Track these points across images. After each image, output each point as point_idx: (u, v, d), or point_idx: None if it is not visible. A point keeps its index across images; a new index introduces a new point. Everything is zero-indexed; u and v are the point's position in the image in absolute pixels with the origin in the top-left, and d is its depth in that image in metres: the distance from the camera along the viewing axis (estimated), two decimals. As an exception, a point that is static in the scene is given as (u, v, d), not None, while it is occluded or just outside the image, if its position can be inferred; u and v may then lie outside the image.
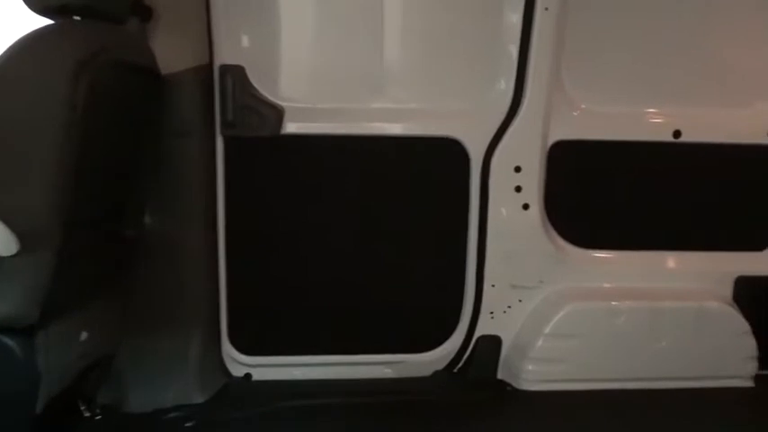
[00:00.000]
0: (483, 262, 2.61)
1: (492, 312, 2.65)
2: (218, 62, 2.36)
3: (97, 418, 2.13)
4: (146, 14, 2.22)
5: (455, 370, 2.71)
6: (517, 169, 2.55)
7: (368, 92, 2.50)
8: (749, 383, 2.61)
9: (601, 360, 2.57)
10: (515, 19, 2.43)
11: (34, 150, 1.45)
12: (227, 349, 2.59)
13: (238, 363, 2.62)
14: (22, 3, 1.73)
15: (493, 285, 2.63)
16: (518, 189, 2.56)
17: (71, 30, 1.70)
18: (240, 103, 2.36)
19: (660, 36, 2.55)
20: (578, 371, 2.57)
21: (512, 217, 2.58)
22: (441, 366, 2.70)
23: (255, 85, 2.39)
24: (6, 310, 1.48)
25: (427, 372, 2.69)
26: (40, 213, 1.49)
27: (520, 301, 2.65)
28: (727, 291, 2.66)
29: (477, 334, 2.68)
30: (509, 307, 2.66)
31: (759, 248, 2.71)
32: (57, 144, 1.48)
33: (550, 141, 2.57)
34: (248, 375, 2.64)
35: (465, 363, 2.70)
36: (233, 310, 2.56)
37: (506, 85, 2.50)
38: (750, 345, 2.58)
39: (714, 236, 2.69)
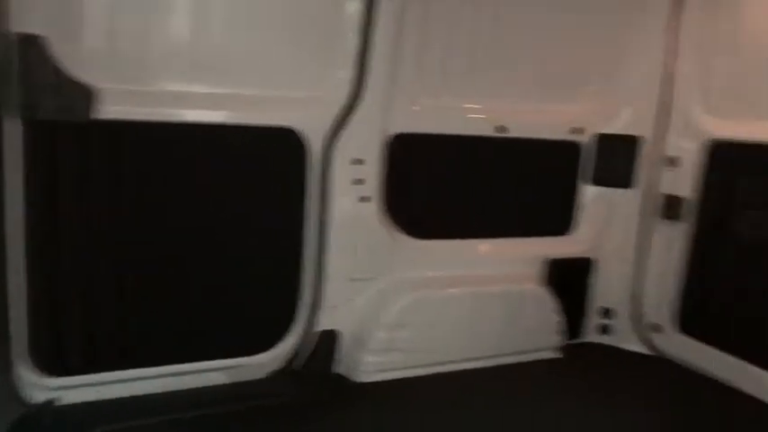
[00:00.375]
0: (322, 256, 2.53)
1: (331, 306, 2.60)
2: (13, 29, 1.90)
3: None
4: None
5: (293, 368, 2.61)
6: (357, 162, 2.50)
7: (195, 74, 2.24)
8: (558, 354, 2.93)
9: (434, 346, 2.68)
10: (357, 7, 2.35)
11: None
12: (23, 372, 2.16)
13: (39, 387, 2.20)
14: None
15: (332, 279, 2.57)
16: (358, 181, 2.52)
17: None
18: (41, 80, 1.93)
19: (492, 37, 2.67)
20: (414, 358, 2.65)
21: (351, 210, 2.54)
22: (278, 366, 2.59)
23: (61, 60, 1.98)
24: None
25: (263, 373, 2.56)
26: None
27: (359, 293, 2.64)
28: (538, 272, 2.93)
29: (316, 329, 2.61)
30: (348, 300, 2.63)
31: (563, 233, 3.03)
32: None
33: (390, 134, 2.56)
34: (52, 401, 2.24)
35: (304, 360, 2.61)
36: (32, 326, 2.14)
37: (347, 75, 2.42)
38: (558, 320, 2.89)
39: (529, 223, 2.95)
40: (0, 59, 1.88)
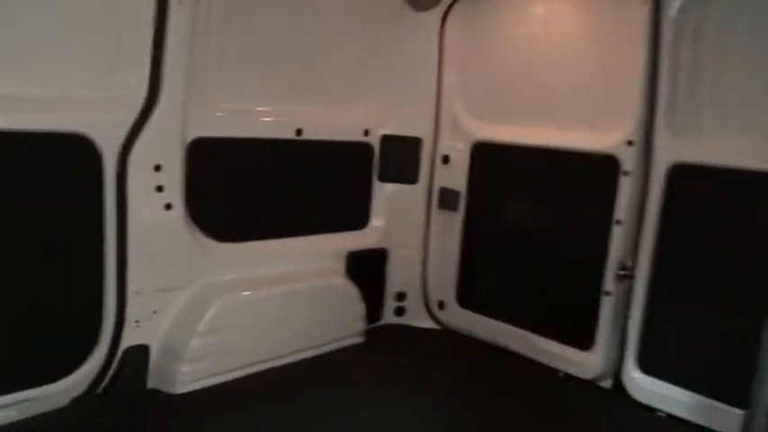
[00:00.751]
0: (124, 268, 2.41)
1: (138, 321, 2.48)
2: None
3: None
4: None
5: (100, 390, 2.44)
6: (157, 168, 2.43)
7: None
8: (362, 339, 3.17)
9: (249, 347, 2.71)
10: (149, 10, 2.28)
11: None
12: None
13: None
14: None
15: (137, 292, 2.45)
16: (159, 188, 2.44)
17: None
18: None
19: (285, 44, 2.78)
20: (229, 362, 2.65)
21: (154, 218, 2.45)
22: (81, 391, 2.39)
23: None
24: None
25: (65, 401, 2.34)
26: None
27: (167, 304, 2.56)
28: (341, 265, 3.14)
29: (123, 346, 2.47)
30: (155, 312, 2.54)
31: (361, 227, 3.28)
32: None
33: (190, 138, 2.53)
34: None
35: (111, 380, 2.46)
36: None
37: (141, 79, 2.34)
38: (361, 308, 3.13)
39: (330, 220, 3.14)
40: None
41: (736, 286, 2.36)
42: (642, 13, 2.53)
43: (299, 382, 2.71)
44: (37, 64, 2.12)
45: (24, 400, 2.22)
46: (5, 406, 2.19)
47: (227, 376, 2.64)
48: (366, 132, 3.19)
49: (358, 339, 3.15)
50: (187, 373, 2.54)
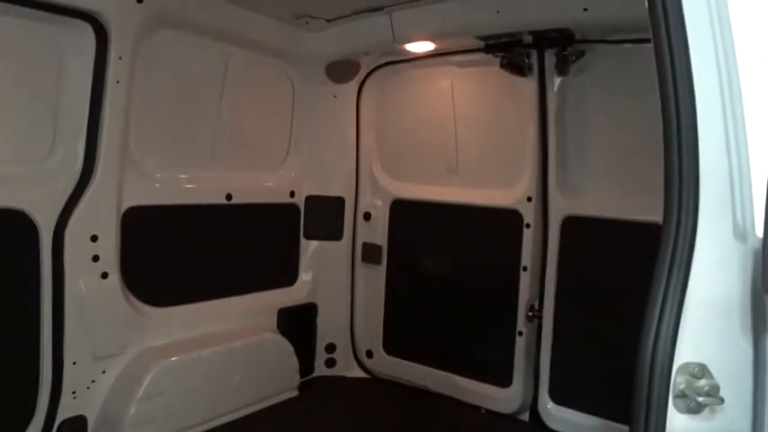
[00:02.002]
0: (61, 339, 2.42)
1: (74, 392, 2.48)
2: None
3: None
4: None
5: (34, 469, 2.40)
6: (93, 238, 2.49)
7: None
8: (296, 393, 3.28)
9: (190, 408, 2.76)
10: (86, 88, 2.40)
11: None
12: None
13: None
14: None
15: (74, 362, 2.47)
16: (95, 258, 2.50)
17: None
18: None
19: (216, 113, 2.95)
20: (170, 425, 2.68)
21: (90, 287, 2.49)
22: (15, 471, 2.35)
23: None
24: None
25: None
26: None
27: (104, 372, 2.58)
28: (273, 321, 3.27)
29: (59, 419, 2.45)
30: (93, 381, 2.54)
31: (291, 284, 3.44)
32: None
33: (124, 207, 2.61)
34: None
35: (45, 455, 2.43)
36: None
37: (76, 152, 2.43)
38: (294, 362, 3.25)
39: (261, 279, 3.27)
40: None
41: (617, 319, 2.72)
42: (530, 87, 2.96)
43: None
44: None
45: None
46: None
47: (166, 440, 2.67)
48: (292, 194, 3.39)
49: (293, 393, 3.25)
50: (127, 441, 2.55)
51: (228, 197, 3.05)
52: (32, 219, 2.32)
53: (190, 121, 2.87)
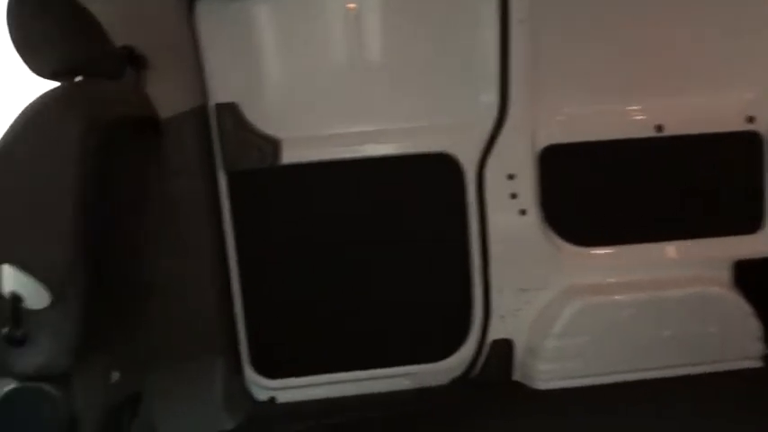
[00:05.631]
0: (487, 269, 2.70)
1: (502, 316, 2.74)
2: (212, 101, 2.49)
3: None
4: (140, 64, 2.31)
5: (472, 376, 2.79)
6: (510, 177, 2.65)
7: (359, 115, 2.62)
8: (758, 363, 2.67)
9: (610, 353, 2.64)
10: (492, 33, 2.54)
11: (55, 210, 1.57)
12: (250, 375, 2.69)
13: (262, 387, 2.72)
14: (29, 69, 1.85)
15: (500, 290, 2.71)
16: (513, 196, 2.66)
17: (75, 92, 1.81)
18: (237, 138, 2.49)
19: (632, 32, 2.64)
20: (590, 366, 2.64)
21: (510, 223, 2.67)
22: (458, 373, 2.78)
23: (250, 119, 2.52)
24: (42, 361, 1.60)
25: (445, 379, 2.77)
26: (66, 267, 1.60)
27: (527, 303, 2.74)
28: (725, 275, 2.73)
29: (490, 339, 2.76)
30: (518, 310, 2.74)
31: (752, 231, 2.78)
32: (71, 201, 1.59)
33: (539, 147, 2.67)
34: (273, 399, 2.73)
35: (481, 368, 2.78)
36: (252, 338, 2.67)
37: (491, 98, 2.60)
38: (755, 326, 2.64)
39: (707, 223, 2.76)
40: (205, 127, 2.46)
41: None
42: None
43: (670, 399, 2.49)
44: (412, 102, 2.64)
45: (416, 373, 2.75)
46: (403, 375, 2.76)
47: (589, 380, 2.63)
48: (750, 119, 2.69)
49: (753, 363, 2.66)
50: (545, 372, 2.65)
51: (658, 129, 2.69)
52: (459, 162, 2.65)
53: (602, 48, 2.64)
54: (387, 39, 2.62)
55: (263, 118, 2.54)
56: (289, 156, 2.56)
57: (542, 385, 2.67)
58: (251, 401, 2.71)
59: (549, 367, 2.66)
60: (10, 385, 1.57)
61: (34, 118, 1.61)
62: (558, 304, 2.69)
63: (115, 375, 1.99)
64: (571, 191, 2.73)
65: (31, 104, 1.64)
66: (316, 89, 2.60)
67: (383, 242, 2.69)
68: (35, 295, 1.53)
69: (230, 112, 2.49)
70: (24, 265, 1.51)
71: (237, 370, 2.68)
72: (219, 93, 2.49)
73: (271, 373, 2.71)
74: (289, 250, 2.66)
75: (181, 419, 2.46)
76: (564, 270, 2.72)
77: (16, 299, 1.53)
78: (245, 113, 2.51)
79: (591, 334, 2.64)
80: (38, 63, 1.78)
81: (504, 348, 2.77)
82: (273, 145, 2.53)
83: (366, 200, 2.67)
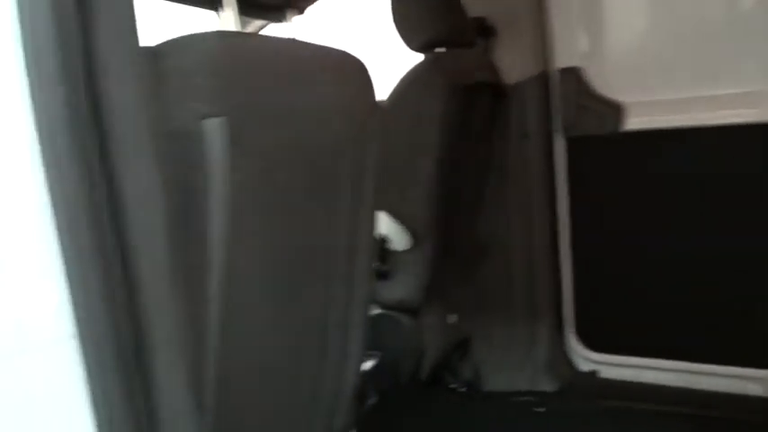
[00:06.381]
0: None
1: None
2: (555, 66, 2.50)
3: (460, 390, 2.45)
4: (489, 33, 2.47)
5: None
6: None
7: (714, 77, 2.32)
8: None
9: None
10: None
11: (419, 166, 1.80)
12: (573, 344, 2.69)
13: (584, 358, 2.68)
14: (402, 41, 2.13)
15: None
16: None
17: (440, 62, 2.03)
18: (579, 103, 2.45)
19: None
20: None
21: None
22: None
23: (593, 84, 2.45)
24: (401, 294, 1.87)
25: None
26: (424, 218, 1.83)
27: None
28: None
29: None
30: None
31: None
32: (434, 160, 1.80)
33: None
34: (595, 372, 2.68)
35: None
36: (579, 307, 2.65)
37: None
38: None
39: None
40: (545, 93, 2.48)
41: None
42: None
43: None
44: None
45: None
46: (750, 378, 2.39)
47: None
48: None
49: None
50: None
51: None
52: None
53: None
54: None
55: (607, 83, 2.45)
56: (632, 122, 2.42)
57: None
58: (571, 369, 2.71)
59: None
60: (377, 311, 1.88)
61: (407, 86, 1.86)
62: None
63: (452, 318, 2.21)
64: None
65: (405, 75, 1.90)
66: (663, 52, 2.39)
67: (735, 224, 2.37)
68: (399, 239, 1.80)
69: (573, 76, 2.46)
70: (395, 213, 1.78)
71: (560, 335, 2.70)
72: (563, 57, 2.48)
73: (594, 346, 2.66)
74: (624, 222, 2.54)
75: (502, 371, 2.61)
76: None
77: (385, 240, 1.81)
78: (589, 78, 2.46)
79: None
80: (411, 36, 2.03)
81: None
82: (616, 110, 2.42)
83: (716, 174, 2.37)
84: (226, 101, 0.77)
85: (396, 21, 2.02)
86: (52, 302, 0.53)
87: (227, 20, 0.99)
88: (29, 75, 0.55)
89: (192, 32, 0.79)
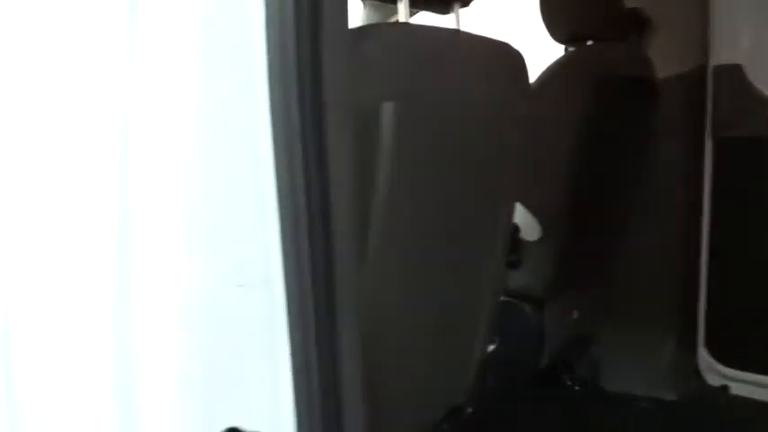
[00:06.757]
0: None
1: None
2: (713, 62, 2.35)
3: (576, 388, 2.43)
4: (644, 25, 2.36)
5: None
6: None
7: None
8: None
9: None
10: None
11: (556, 160, 1.80)
12: (704, 356, 2.55)
13: (715, 372, 2.55)
14: (549, 34, 2.11)
15: None
16: None
17: (586, 54, 1.99)
18: (736, 102, 2.30)
19: None
20: None
21: None
22: None
23: (754, 83, 2.29)
24: (524, 282, 1.89)
25: None
26: (555, 210, 1.83)
27: None
28: None
29: None
30: None
31: None
32: (572, 155, 1.79)
33: None
34: (725, 387, 2.54)
35: None
36: (711, 318, 2.51)
37: None
38: None
39: None
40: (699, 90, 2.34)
41: None
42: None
43: None
44: None
45: None
46: None
47: None
48: None
49: None
50: None
51: None
52: None
53: None
54: None
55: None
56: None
57: None
58: (697, 380, 2.58)
59: None
60: (502, 298, 1.91)
61: (550, 78, 1.86)
62: None
63: (575, 314, 2.19)
64: None
65: (549, 66, 1.90)
66: None
67: None
68: (530, 228, 1.81)
69: (732, 73, 2.31)
70: (527, 203, 1.80)
71: (688, 345, 2.58)
72: (722, 53, 2.34)
73: (726, 360, 2.51)
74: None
75: (624, 374, 2.54)
76: None
77: (516, 229, 1.83)
78: (749, 76, 2.30)
79: None
80: (557, 28, 2.01)
81: None
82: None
83: None
84: (404, 87, 0.84)
85: (543, 10, 2.00)
86: (267, 249, 0.64)
87: (399, 11, 1.06)
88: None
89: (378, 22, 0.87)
